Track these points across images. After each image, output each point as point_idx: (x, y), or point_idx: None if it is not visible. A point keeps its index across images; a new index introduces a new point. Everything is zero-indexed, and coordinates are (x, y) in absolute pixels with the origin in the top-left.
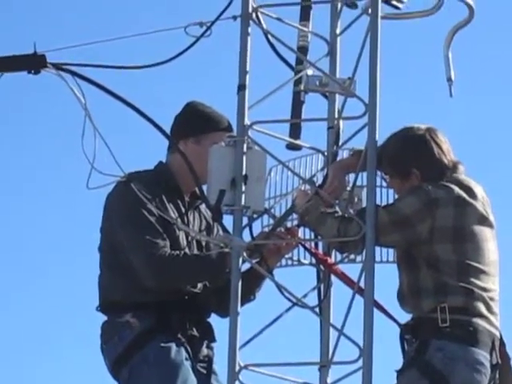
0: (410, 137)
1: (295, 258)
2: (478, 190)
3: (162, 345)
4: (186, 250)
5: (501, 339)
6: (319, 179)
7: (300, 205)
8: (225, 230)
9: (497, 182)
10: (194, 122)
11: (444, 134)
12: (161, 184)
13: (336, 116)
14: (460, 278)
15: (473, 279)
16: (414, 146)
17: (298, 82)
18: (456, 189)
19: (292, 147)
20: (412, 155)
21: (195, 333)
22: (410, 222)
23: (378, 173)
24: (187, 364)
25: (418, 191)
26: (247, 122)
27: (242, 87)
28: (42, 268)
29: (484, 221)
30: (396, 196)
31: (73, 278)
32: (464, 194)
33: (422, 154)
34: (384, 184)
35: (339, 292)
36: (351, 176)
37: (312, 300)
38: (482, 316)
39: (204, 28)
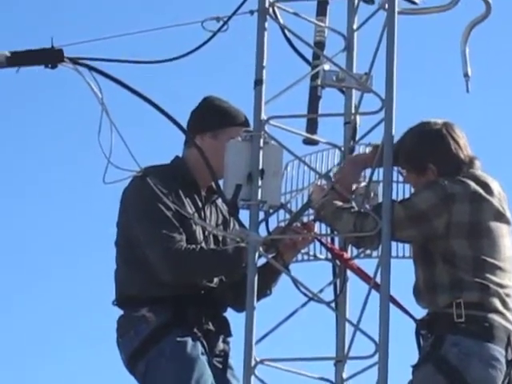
0: (427, 132)
1: (311, 252)
2: (495, 185)
3: (179, 339)
4: (203, 245)
5: None
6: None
7: (316, 200)
8: (241, 224)
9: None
10: (211, 117)
11: (461, 129)
12: (177, 178)
13: (353, 111)
14: (476, 274)
15: (488, 275)
16: (430, 141)
17: (314, 77)
18: (472, 184)
19: (308, 142)
20: (428, 150)
21: (211, 327)
22: (427, 216)
23: (395, 168)
24: (203, 358)
25: (434, 186)
26: (264, 116)
27: (258, 82)
28: (60, 262)
29: (500, 217)
30: (412, 191)
31: (89, 274)
32: (480, 190)
33: (439, 149)
34: (400, 179)
35: (355, 287)
36: (368, 171)
37: (328, 295)
38: (497, 312)
39: (221, 23)
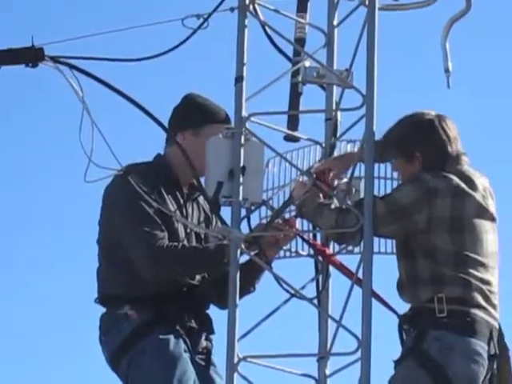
0: (419, 121)
1: (293, 249)
2: (480, 181)
3: (161, 337)
4: (185, 242)
5: (499, 330)
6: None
7: (297, 196)
8: (223, 221)
9: (495, 172)
10: (192, 114)
11: (454, 123)
12: (159, 176)
13: (334, 107)
14: (457, 269)
15: (471, 270)
16: (421, 130)
17: (295, 74)
18: (455, 179)
19: (290, 139)
20: (418, 138)
21: (194, 325)
22: (408, 211)
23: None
24: (186, 356)
25: (415, 181)
26: (245, 113)
27: (239, 79)
28: (40, 263)
29: (484, 212)
30: (394, 186)
31: (72, 273)
32: (463, 185)
33: (428, 138)
34: (382, 174)
35: (337, 283)
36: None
37: (310, 291)
38: (480, 307)
39: (201, 20)
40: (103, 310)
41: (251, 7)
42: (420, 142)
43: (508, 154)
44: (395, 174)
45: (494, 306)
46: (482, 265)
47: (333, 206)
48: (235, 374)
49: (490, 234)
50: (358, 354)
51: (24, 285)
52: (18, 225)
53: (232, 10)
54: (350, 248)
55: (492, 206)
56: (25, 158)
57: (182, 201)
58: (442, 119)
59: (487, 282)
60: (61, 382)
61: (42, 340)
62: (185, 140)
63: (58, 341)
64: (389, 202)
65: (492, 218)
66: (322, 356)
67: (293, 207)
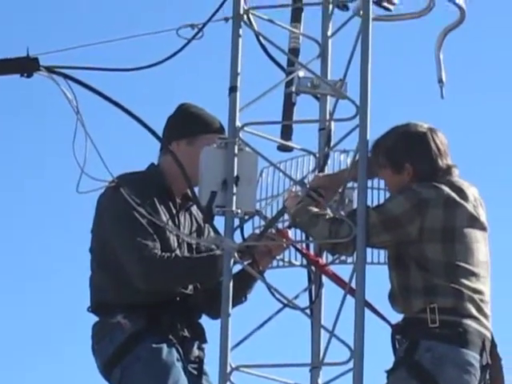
0: (412, 132)
1: (286, 259)
2: (471, 191)
3: (154, 346)
4: (177, 252)
5: (492, 340)
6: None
7: (291, 206)
8: (216, 231)
9: (489, 182)
10: (187, 124)
11: (445, 135)
12: (152, 186)
13: (327, 118)
14: (449, 279)
15: (462, 280)
16: (412, 142)
17: (289, 84)
18: (446, 189)
19: (283, 149)
20: (409, 150)
21: (186, 334)
22: (400, 222)
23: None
24: (178, 365)
25: (407, 192)
26: (238, 123)
27: (233, 89)
28: (35, 270)
29: (474, 222)
30: (387, 196)
31: (66, 281)
32: (454, 195)
33: (419, 151)
34: (375, 185)
35: (330, 293)
36: None
37: (303, 301)
38: (472, 317)
39: (195, 30)
40: (96, 318)
41: (245, 17)
42: (411, 155)
43: (501, 161)
44: None
45: (486, 316)
46: (474, 274)
47: (326, 217)
48: None
49: (481, 244)
50: (351, 364)
51: (16, 291)
52: (9, 231)
53: (226, 20)
54: (342, 258)
55: (483, 216)
56: (17, 166)
57: (174, 210)
58: (433, 132)
59: (479, 292)
60: None
61: (32, 347)
62: (179, 149)
63: (49, 349)
64: (381, 212)
65: (483, 228)
66: (315, 366)
67: (286, 217)
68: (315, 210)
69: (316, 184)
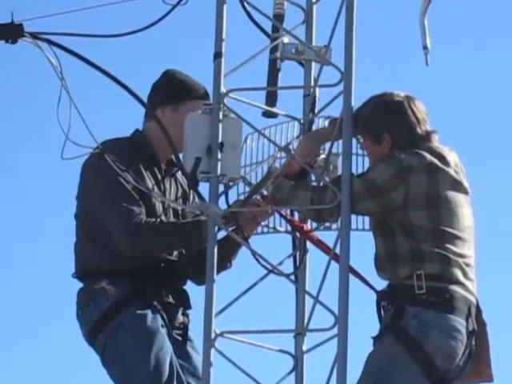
0: (388, 102)
1: (271, 225)
2: (451, 156)
3: (138, 312)
4: (162, 217)
5: (477, 306)
6: (295, 146)
7: (275, 171)
8: (201, 197)
9: (472, 150)
10: (172, 90)
11: (422, 102)
12: (137, 152)
13: (312, 84)
14: (435, 245)
15: (448, 245)
16: (389, 112)
17: (274, 50)
18: (428, 156)
19: (268, 115)
20: (386, 120)
21: (171, 300)
22: (384, 189)
23: (354, 140)
24: (163, 331)
25: (390, 159)
26: (223, 89)
27: (218, 55)
28: (17, 240)
29: (458, 186)
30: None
31: (48, 248)
32: (436, 161)
33: (397, 121)
34: (360, 151)
35: (315, 260)
36: (327, 144)
37: (288, 267)
38: (458, 283)
39: None
40: (80, 284)
41: None
42: (389, 124)
43: (485, 128)
44: None
45: (471, 281)
46: (459, 239)
47: (307, 186)
48: (212, 350)
49: (465, 208)
50: (335, 331)
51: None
52: None
53: None
54: (327, 224)
55: (464, 180)
56: (2, 134)
57: (159, 176)
58: (411, 100)
59: (464, 256)
60: (34, 356)
61: (20, 315)
62: (164, 115)
63: (33, 316)
64: (365, 181)
65: (466, 192)
66: (299, 332)
67: (270, 183)
68: (292, 183)
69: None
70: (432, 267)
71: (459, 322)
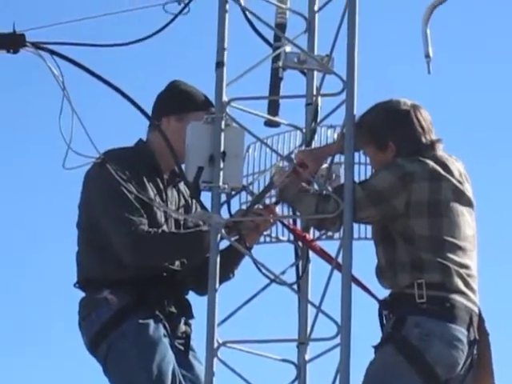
0: (395, 110)
1: (273, 234)
2: (456, 165)
3: (141, 321)
4: (164, 228)
5: (479, 315)
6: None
7: (278, 181)
8: (203, 207)
9: (475, 157)
10: (178, 101)
11: (427, 111)
12: (140, 162)
13: (314, 93)
14: (436, 254)
15: (449, 255)
16: (395, 120)
17: (276, 59)
18: (431, 163)
19: (270, 124)
20: (392, 128)
21: (173, 309)
22: (385, 196)
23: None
24: (165, 340)
25: (392, 166)
26: (225, 98)
27: (220, 64)
28: (21, 249)
29: (460, 196)
30: (373, 170)
31: (51, 258)
32: (439, 169)
33: (402, 129)
34: (362, 161)
35: (317, 269)
36: None
37: (290, 277)
38: (459, 292)
39: (182, 5)
40: (82, 294)
41: None
42: (394, 132)
43: (487, 136)
44: None
45: (473, 291)
46: (461, 249)
47: (313, 193)
48: (215, 359)
49: (467, 217)
50: (338, 340)
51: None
52: None
53: None
54: (329, 234)
55: (469, 191)
56: (2, 143)
57: (162, 186)
58: (417, 109)
59: (466, 267)
60: (38, 365)
61: (22, 324)
62: (169, 125)
63: (35, 326)
64: (366, 187)
65: (469, 202)
66: (302, 341)
67: (273, 193)
68: (302, 185)
69: (300, 159)
70: (432, 276)
71: (460, 331)
